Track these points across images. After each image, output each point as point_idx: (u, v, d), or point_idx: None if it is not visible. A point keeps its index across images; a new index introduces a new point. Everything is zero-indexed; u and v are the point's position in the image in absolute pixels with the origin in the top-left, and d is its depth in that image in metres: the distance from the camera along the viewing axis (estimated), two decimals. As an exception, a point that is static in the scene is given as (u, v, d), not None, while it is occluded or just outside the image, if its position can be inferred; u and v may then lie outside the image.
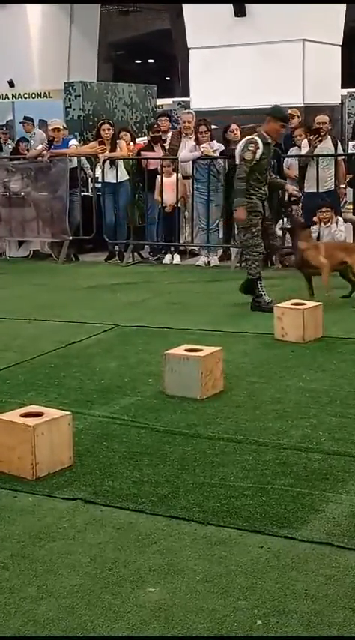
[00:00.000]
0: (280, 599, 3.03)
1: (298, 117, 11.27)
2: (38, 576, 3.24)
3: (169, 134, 11.82)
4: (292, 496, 3.82)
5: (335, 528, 3.51)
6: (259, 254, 7.71)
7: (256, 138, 7.40)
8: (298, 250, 7.77)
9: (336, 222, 9.90)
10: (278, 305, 6.77)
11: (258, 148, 7.34)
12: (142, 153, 11.40)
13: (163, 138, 11.64)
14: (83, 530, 3.60)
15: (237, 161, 7.53)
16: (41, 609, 3.02)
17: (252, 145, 7.36)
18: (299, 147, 10.48)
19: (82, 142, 12.23)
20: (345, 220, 10.07)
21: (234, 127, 10.69)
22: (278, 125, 7.54)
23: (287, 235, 10.33)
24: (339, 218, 10.11)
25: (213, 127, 10.93)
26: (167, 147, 11.42)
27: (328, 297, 7.53)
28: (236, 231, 10.85)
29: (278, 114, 7.61)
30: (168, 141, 11.55)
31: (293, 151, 10.60)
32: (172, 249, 11.17)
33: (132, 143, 11.65)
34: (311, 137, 10.35)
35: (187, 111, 12.22)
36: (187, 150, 10.84)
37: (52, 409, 4.40)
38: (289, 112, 10.93)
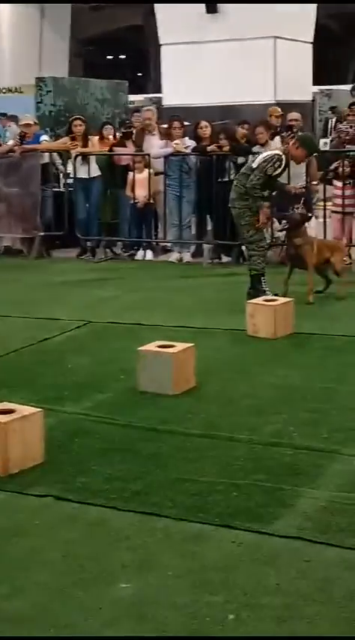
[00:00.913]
0: (252, 594, 3.05)
1: (276, 116, 11.13)
2: (10, 573, 3.23)
3: None
4: (264, 491, 3.84)
5: (307, 523, 3.54)
6: (264, 249, 7.78)
7: (283, 156, 7.45)
8: (294, 246, 7.80)
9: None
10: (250, 301, 6.79)
11: (281, 166, 7.47)
12: (114, 149, 11.37)
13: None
14: (55, 527, 3.59)
15: (255, 165, 7.43)
16: (13, 607, 3.01)
17: (278, 162, 7.43)
18: (262, 145, 10.47)
19: (53, 138, 12.17)
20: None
21: (203, 123, 10.69)
22: (304, 155, 7.66)
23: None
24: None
25: (185, 123, 10.93)
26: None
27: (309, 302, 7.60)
28: (208, 228, 10.90)
29: (307, 144, 7.70)
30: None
31: (255, 148, 10.58)
32: (145, 245, 11.17)
33: (110, 137, 11.60)
34: (283, 134, 10.39)
35: (147, 107, 12.19)
36: (157, 146, 10.83)
37: (24, 406, 4.37)
38: (270, 109, 10.93)
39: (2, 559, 3.34)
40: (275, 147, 10.38)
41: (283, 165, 7.44)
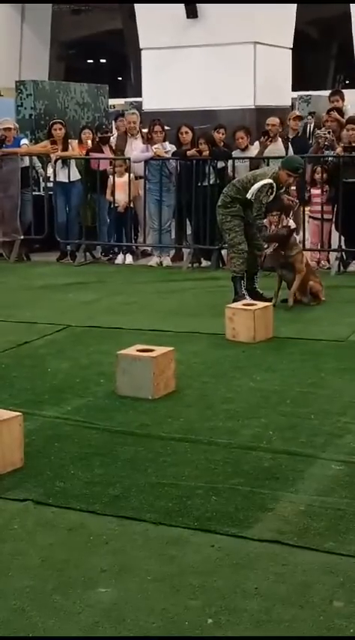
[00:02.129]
0: (231, 598, 3.06)
1: (275, 125, 10.91)
2: (-12, 579, 3.21)
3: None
4: (243, 495, 3.86)
5: (285, 527, 3.56)
6: (243, 252, 7.82)
7: (274, 184, 7.66)
8: (286, 256, 7.73)
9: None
10: (229, 305, 6.82)
11: (273, 193, 7.72)
12: (91, 153, 11.36)
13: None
14: (34, 532, 3.58)
15: (249, 196, 7.64)
16: (-9, 612, 2.99)
17: (270, 190, 7.68)
18: (242, 149, 10.52)
19: (33, 141, 12.14)
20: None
21: (184, 128, 10.71)
22: (286, 175, 7.72)
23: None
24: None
25: (166, 127, 10.95)
26: (114, 147, 11.42)
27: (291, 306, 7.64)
28: (188, 232, 10.92)
29: (286, 165, 7.81)
30: (113, 141, 11.56)
31: (237, 153, 10.63)
32: (124, 249, 11.17)
33: (89, 142, 11.58)
34: (261, 139, 10.44)
35: (132, 111, 12.20)
36: (139, 150, 10.85)
37: (3, 410, 4.36)
38: (290, 113, 10.84)
39: (-20, 564, 3.32)
40: (255, 152, 10.46)
41: (274, 191, 7.72)
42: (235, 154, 10.54)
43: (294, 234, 8.08)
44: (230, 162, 10.33)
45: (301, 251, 7.96)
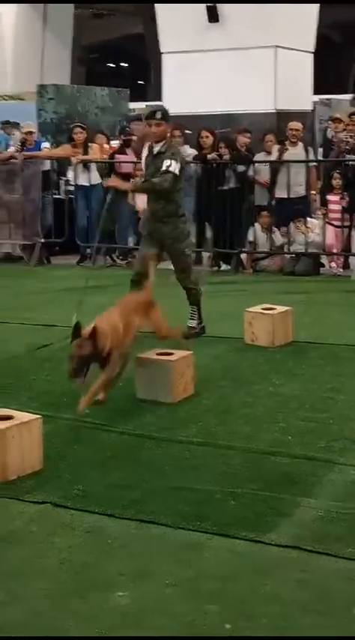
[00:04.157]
0: (249, 603, 3.05)
1: (298, 129, 10.66)
2: (6, 580, 3.22)
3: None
4: (261, 500, 3.84)
5: (304, 532, 3.54)
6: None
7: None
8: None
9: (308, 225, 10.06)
10: (249, 310, 6.80)
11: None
12: (115, 156, 11.40)
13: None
14: (52, 534, 3.59)
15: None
16: (10, 614, 3.00)
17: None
18: (269, 152, 10.54)
19: (54, 145, 12.20)
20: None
21: (204, 132, 10.72)
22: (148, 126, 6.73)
23: (260, 240, 10.41)
24: (309, 219, 10.24)
25: (187, 131, 10.96)
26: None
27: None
28: (207, 236, 10.91)
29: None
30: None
31: (261, 156, 10.64)
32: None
33: (106, 145, 11.63)
34: (279, 145, 10.43)
35: None
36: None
37: (22, 412, 4.38)
38: (291, 125, 10.60)
39: (-1, 566, 3.34)
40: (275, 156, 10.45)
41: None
42: (260, 157, 10.54)
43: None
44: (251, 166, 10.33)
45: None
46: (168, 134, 6.91)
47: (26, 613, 3.00)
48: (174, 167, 6.44)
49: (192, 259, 7.16)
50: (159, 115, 6.55)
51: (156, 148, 6.61)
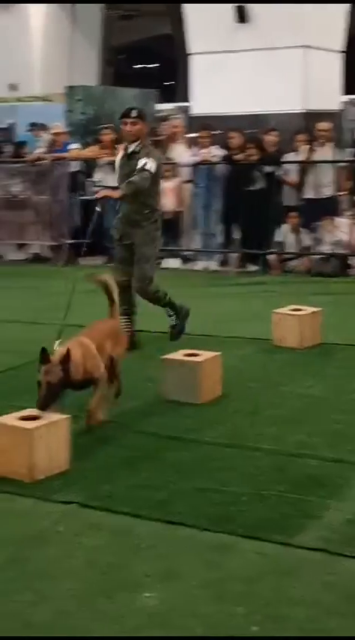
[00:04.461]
0: (276, 606, 3.03)
1: (327, 130, 10.53)
2: (34, 580, 3.24)
3: None
4: (289, 502, 3.82)
5: (332, 535, 3.51)
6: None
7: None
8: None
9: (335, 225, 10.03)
10: (277, 311, 6.77)
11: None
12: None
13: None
14: (79, 535, 3.60)
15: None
16: (37, 614, 3.01)
17: None
18: (299, 152, 10.51)
19: (82, 146, 12.25)
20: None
21: (232, 133, 10.70)
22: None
23: (288, 240, 10.37)
24: (336, 219, 10.19)
25: (215, 132, 10.95)
26: None
27: None
28: (235, 237, 10.90)
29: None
30: None
31: (291, 156, 10.61)
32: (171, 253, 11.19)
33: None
34: (308, 145, 10.39)
35: (175, 116, 12.26)
36: (187, 155, 10.87)
37: (50, 412, 4.39)
38: (320, 126, 10.62)
39: (26, 566, 3.35)
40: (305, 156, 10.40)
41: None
42: (290, 157, 10.50)
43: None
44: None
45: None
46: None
47: (54, 613, 3.01)
48: (150, 165, 6.26)
49: (153, 269, 6.62)
50: (134, 114, 6.43)
51: (131, 148, 6.46)
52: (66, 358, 4.43)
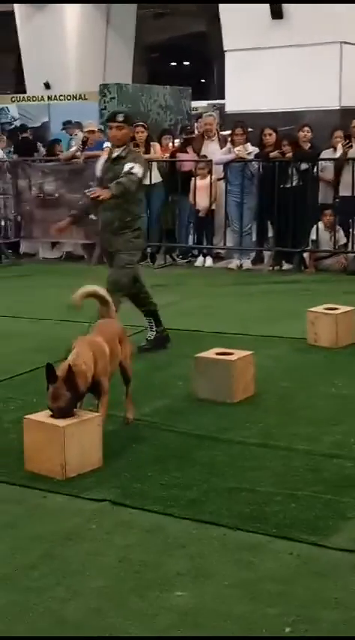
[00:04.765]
0: (309, 607, 3.00)
1: None
2: (66, 577, 3.24)
3: None
4: (322, 503, 3.78)
5: (366, 536, 3.47)
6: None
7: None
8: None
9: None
10: (311, 309, 6.71)
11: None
12: (177, 154, 11.41)
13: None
14: (111, 532, 3.59)
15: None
16: (69, 610, 3.02)
17: None
18: (336, 149, 10.42)
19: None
20: None
21: (267, 130, 10.64)
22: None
23: (323, 238, 10.29)
24: None
25: (249, 129, 10.90)
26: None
27: None
28: (269, 235, 10.84)
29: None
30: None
31: (328, 153, 10.52)
32: (205, 251, 11.16)
33: (172, 145, 11.65)
34: (344, 142, 10.29)
35: (209, 113, 12.24)
36: (221, 152, 10.84)
37: (82, 410, 4.40)
38: None
39: (59, 562, 3.36)
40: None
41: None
42: (327, 154, 10.41)
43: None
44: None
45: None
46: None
47: (85, 610, 3.01)
48: (138, 170, 6.04)
49: (128, 276, 6.33)
50: (120, 118, 6.18)
51: (116, 153, 6.22)
52: (69, 375, 4.17)
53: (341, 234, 10.32)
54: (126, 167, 6.03)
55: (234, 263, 10.85)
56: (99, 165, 6.43)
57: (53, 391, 4.19)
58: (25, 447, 4.26)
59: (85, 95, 18.61)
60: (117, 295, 6.09)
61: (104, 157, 6.46)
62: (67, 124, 15.43)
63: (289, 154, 10.24)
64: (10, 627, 2.92)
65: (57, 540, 3.53)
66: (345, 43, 13.54)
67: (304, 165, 10.29)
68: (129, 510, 3.78)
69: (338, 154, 10.32)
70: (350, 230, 10.26)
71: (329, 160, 10.41)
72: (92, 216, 6.31)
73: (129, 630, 2.89)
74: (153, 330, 6.65)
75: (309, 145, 10.45)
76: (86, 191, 6.38)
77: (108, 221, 6.27)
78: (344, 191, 10.17)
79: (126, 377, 4.89)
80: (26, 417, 4.31)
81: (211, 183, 10.82)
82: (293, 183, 10.27)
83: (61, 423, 4.14)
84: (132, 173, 6.00)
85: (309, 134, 10.46)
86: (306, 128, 10.54)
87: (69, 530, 3.62)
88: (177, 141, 12.28)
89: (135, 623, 2.93)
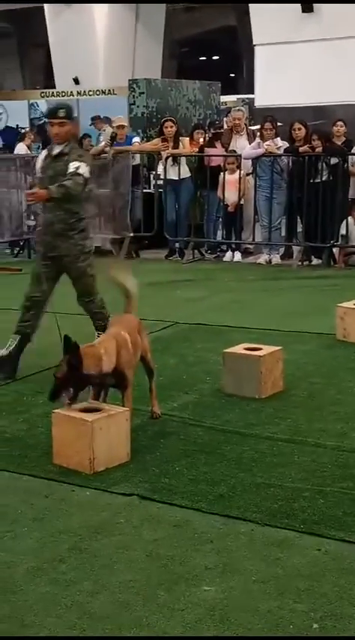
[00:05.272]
0: (337, 604, 2.99)
1: None
2: (94, 570, 3.26)
3: None
4: (351, 499, 3.76)
5: None
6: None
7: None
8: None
9: None
10: (341, 305, 6.67)
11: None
12: (205, 149, 11.40)
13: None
14: (139, 526, 3.60)
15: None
16: (97, 604, 3.03)
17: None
18: None
19: (144, 139, 12.28)
20: None
21: (297, 124, 10.59)
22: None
23: (352, 233, 10.21)
24: None
25: (278, 124, 10.85)
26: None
27: None
28: (298, 230, 10.78)
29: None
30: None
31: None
32: (233, 246, 11.14)
33: (202, 140, 11.64)
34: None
35: (238, 108, 12.21)
36: (250, 147, 10.80)
37: (110, 405, 4.41)
38: None
39: (87, 556, 3.37)
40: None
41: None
42: None
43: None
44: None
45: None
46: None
47: (113, 604, 3.02)
48: (84, 170, 5.62)
49: (95, 280, 5.96)
50: (62, 114, 5.74)
51: (57, 149, 5.78)
52: (78, 357, 4.18)
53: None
54: (72, 167, 5.60)
55: (262, 258, 10.82)
56: (39, 162, 5.99)
57: (60, 362, 4.26)
58: (53, 441, 4.28)
59: (113, 90, 18.65)
60: (97, 302, 5.97)
61: (44, 153, 6.02)
62: (96, 119, 15.49)
63: (319, 149, 10.17)
64: (38, 620, 2.94)
65: (85, 534, 3.54)
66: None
67: (334, 160, 10.22)
68: (157, 505, 3.79)
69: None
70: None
71: (355, 154, 10.34)
72: (31, 222, 5.75)
73: (156, 624, 2.90)
74: (8, 349, 5.84)
75: (344, 139, 10.37)
76: (26, 192, 6.02)
77: (48, 222, 5.81)
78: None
79: (149, 371, 4.89)
80: (54, 411, 4.33)
81: (240, 178, 10.79)
82: (323, 178, 10.21)
83: (89, 417, 4.16)
84: (78, 174, 5.59)
85: (343, 128, 10.39)
86: (340, 122, 10.46)
87: (97, 524, 3.64)
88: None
89: (163, 617, 2.94)
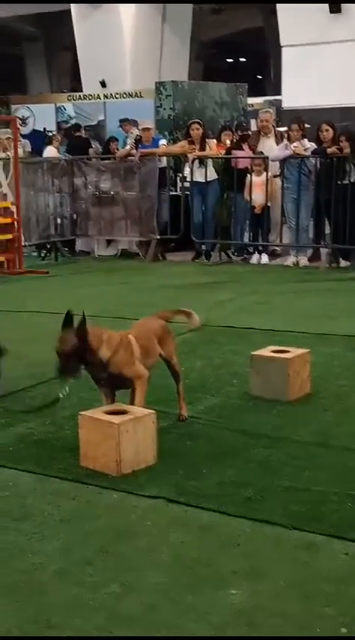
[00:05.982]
0: (365, 609, 2.96)
1: None
2: (121, 573, 3.25)
3: None
4: (380, 503, 3.73)
5: None
6: None
7: None
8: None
9: None
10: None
11: None
12: (232, 152, 11.39)
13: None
14: (166, 529, 3.60)
15: None
16: (124, 606, 3.03)
17: None
18: None
19: (171, 142, 12.30)
20: None
21: (324, 126, 10.54)
22: None
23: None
24: None
25: (306, 125, 10.82)
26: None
27: None
28: (326, 231, 10.73)
29: None
30: None
31: None
32: (260, 248, 11.11)
33: (229, 142, 11.65)
34: None
35: (265, 110, 12.18)
36: (278, 149, 10.77)
37: (137, 407, 4.41)
38: None
39: (114, 558, 3.37)
40: None
41: None
42: None
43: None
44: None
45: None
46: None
47: (140, 606, 3.02)
48: None
49: None
50: None
51: None
52: (83, 324, 4.19)
53: None
54: None
55: (290, 260, 10.78)
56: None
57: (59, 337, 4.25)
58: (80, 443, 4.29)
59: (140, 93, 18.69)
60: None
61: None
62: (124, 121, 15.52)
63: (347, 150, 10.12)
64: (65, 621, 2.94)
65: (112, 536, 3.55)
66: None
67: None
68: (184, 508, 3.78)
69: None
70: None
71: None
72: None
73: (184, 627, 2.89)
74: None
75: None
76: None
77: None
78: None
79: (175, 374, 4.89)
80: (81, 413, 4.34)
81: (267, 180, 10.76)
82: (352, 180, 10.15)
83: (116, 419, 4.16)
84: None
85: None
86: None
87: (124, 526, 3.64)
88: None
89: (189, 619, 2.93)
